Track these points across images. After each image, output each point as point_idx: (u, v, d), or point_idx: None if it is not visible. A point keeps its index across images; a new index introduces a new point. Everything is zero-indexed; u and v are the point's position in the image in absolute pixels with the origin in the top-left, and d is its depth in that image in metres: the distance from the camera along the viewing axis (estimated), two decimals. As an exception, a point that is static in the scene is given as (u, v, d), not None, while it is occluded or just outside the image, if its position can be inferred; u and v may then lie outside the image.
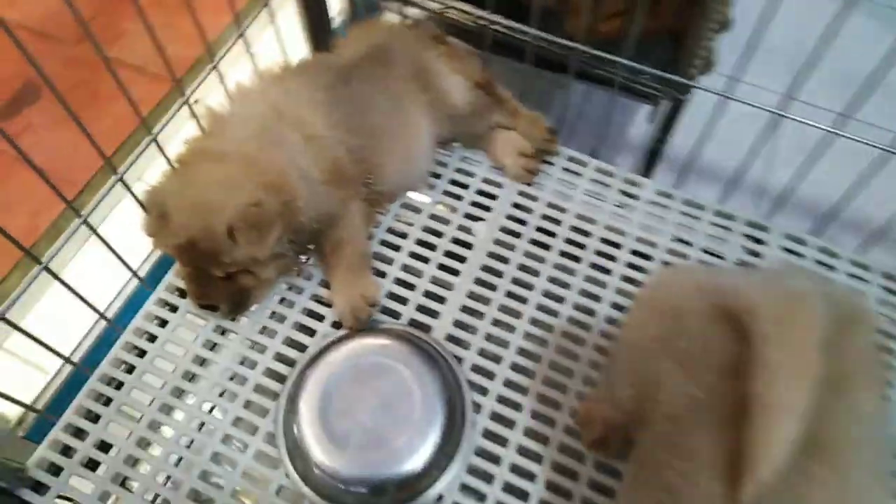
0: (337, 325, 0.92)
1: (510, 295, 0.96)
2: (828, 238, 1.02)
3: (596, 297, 0.96)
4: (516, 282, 0.97)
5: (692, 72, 1.01)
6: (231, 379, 0.90)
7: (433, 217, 1.02)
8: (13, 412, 0.92)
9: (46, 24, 1.67)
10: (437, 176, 1.06)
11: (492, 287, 0.96)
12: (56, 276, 0.80)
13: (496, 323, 0.93)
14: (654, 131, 1.16)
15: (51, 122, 1.53)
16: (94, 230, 0.86)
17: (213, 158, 0.85)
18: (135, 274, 0.93)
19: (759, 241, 1.02)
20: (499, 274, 0.97)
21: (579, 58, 1.03)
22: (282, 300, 0.95)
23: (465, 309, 0.94)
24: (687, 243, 1.02)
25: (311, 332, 0.92)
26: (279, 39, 1.07)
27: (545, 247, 1.00)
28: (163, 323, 0.93)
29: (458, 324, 0.93)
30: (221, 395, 0.89)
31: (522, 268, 0.98)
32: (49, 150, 1.47)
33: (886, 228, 1.00)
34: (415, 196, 1.04)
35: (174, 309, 0.94)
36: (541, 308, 0.94)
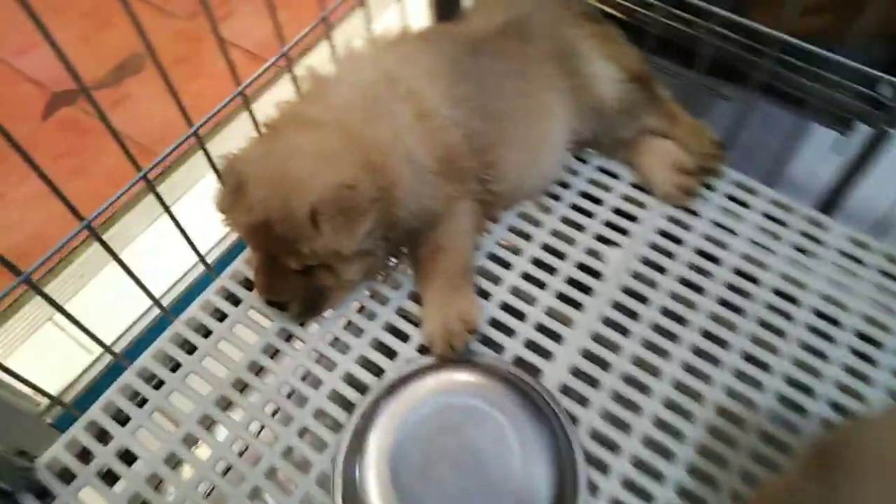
0: (424, 349, 0.73)
1: (647, 345, 0.74)
2: None
3: (764, 366, 0.72)
4: (657, 329, 0.75)
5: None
6: (289, 396, 0.73)
7: (555, 234, 0.83)
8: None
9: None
10: (565, 185, 0.87)
11: (623, 331, 0.75)
12: (110, 251, 0.67)
13: (627, 380, 0.72)
14: (844, 165, 0.92)
15: (151, 94, 1.47)
16: (163, 203, 0.72)
17: (307, 126, 0.70)
18: (201, 258, 0.79)
19: None
20: (633, 315, 0.76)
21: (770, 63, 0.81)
22: (361, 309, 0.78)
23: (587, 354, 0.74)
24: (890, 310, 0.77)
25: (391, 354, 0.74)
26: (402, 9, 0.92)
27: (697, 289, 0.78)
28: (221, 316, 0.78)
29: (577, 372, 0.73)
30: (274, 414, 0.72)
31: (666, 312, 0.77)
32: (143, 121, 1.40)
33: None
34: (536, 205, 0.85)
35: (236, 302, 0.79)
36: (688, 369, 0.72)
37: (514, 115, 0.77)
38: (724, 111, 1.11)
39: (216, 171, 0.74)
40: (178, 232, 0.74)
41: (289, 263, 0.68)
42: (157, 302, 0.75)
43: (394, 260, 0.78)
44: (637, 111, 0.83)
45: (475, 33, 0.81)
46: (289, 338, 0.77)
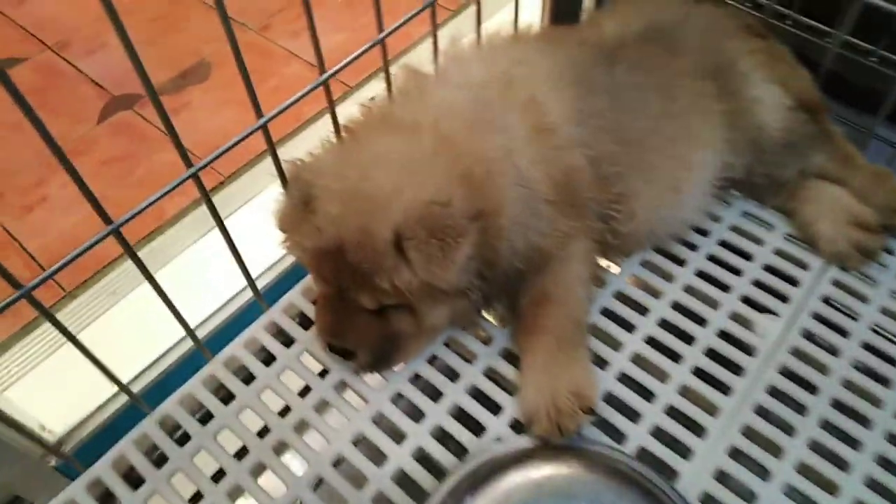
0: (519, 426, 0.57)
1: (816, 448, 0.55)
2: None
3: None
4: (828, 428, 0.57)
5: None
6: (336, 465, 0.57)
7: (690, 291, 0.65)
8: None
9: (233, 7, 1.56)
10: (703, 233, 0.70)
11: (786, 427, 0.57)
12: (137, 260, 0.53)
13: (790, 492, 0.53)
14: None
15: (211, 104, 1.38)
16: (211, 207, 0.58)
17: (396, 130, 0.56)
18: (250, 282, 0.65)
19: None
20: (799, 408, 0.58)
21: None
22: (433, 360, 0.62)
23: (737, 453, 0.55)
24: None
25: (476, 428, 0.57)
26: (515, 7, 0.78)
27: (880, 379, 0.59)
28: (268, 358, 0.63)
29: (722, 477, 0.55)
30: (317, 487, 0.56)
31: (839, 406, 0.58)
32: (201, 131, 1.31)
33: None
34: (666, 253, 0.68)
35: (288, 342, 0.64)
36: (870, 484, 0.53)
37: (653, 139, 0.61)
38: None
39: (282, 177, 0.61)
40: (228, 248, 0.60)
41: (361, 301, 0.53)
42: (190, 332, 0.61)
43: (485, 307, 0.62)
44: (805, 147, 0.66)
45: (610, 39, 0.66)
46: (344, 388, 0.61)
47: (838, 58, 0.73)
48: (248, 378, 0.61)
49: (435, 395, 0.60)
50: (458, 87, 0.58)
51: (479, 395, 0.59)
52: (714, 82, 0.64)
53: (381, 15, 0.61)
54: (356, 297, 0.53)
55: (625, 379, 0.60)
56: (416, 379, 0.61)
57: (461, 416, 0.58)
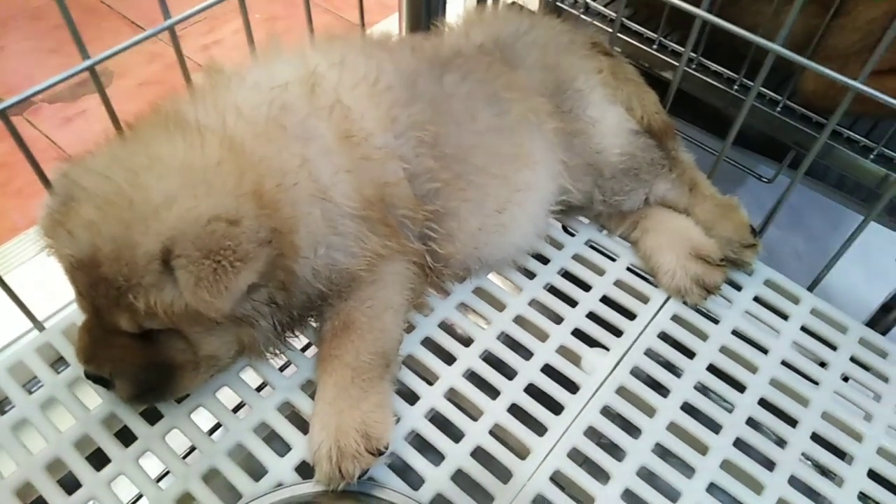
0: (306, 469, 0.50)
1: (626, 499, 0.51)
2: None
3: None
4: (646, 477, 0.52)
5: None
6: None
7: (520, 321, 0.61)
8: None
9: (143, 18, 1.49)
10: (544, 260, 0.65)
11: (602, 476, 0.52)
12: None
13: (597, 550, 0.48)
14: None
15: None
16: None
17: (181, 132, 0.49)
18: (20, 306, 0.57)
19: None
20: (618, 454, 0.53)
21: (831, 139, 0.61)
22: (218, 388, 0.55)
23: (543, 501, 0.50)
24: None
25: (257, 472, 0.50)
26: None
27: (710, 424, 0.55)
28: (31, 385, 0.55)
29: (525, 531, 0.49)
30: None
31: (661, 451, 0.54)
32: (94, 140, 1.23)
33: None
34: (499, 281, 0.64)
35: (59, 364, 0.56)
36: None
37: (478, 155, 0.57)
38: (758, 194, 0.91)
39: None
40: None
41: (118, 322, 0.46)
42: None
43: (290, 333, 0.56)
44: (648, 174, 0.63)
45: (447, 48, 0.62)
46: (121, 431, 0.53)
47: (690, 78, 0.71)
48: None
49: (214, 430, 0.53)
50: (256, 88, 0.52)
51: (270, 436, 0.53)
52: (551, 99, 0.60)
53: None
54: (111, 318, 0.46)
55: (436, 418, 0.54)
56: (196, 411, 0.53)
57: (241, 456, 0.52)
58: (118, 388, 0.49)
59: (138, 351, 0.48)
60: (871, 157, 0.67)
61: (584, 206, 0.65)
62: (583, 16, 0.77)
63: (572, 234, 0.67)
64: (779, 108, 0.69)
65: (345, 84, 0.54)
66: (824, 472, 0.54)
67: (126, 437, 0.52)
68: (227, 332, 0.49)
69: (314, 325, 0.56)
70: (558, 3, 0.78)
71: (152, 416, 0.53)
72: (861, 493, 0.53)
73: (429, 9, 0.76)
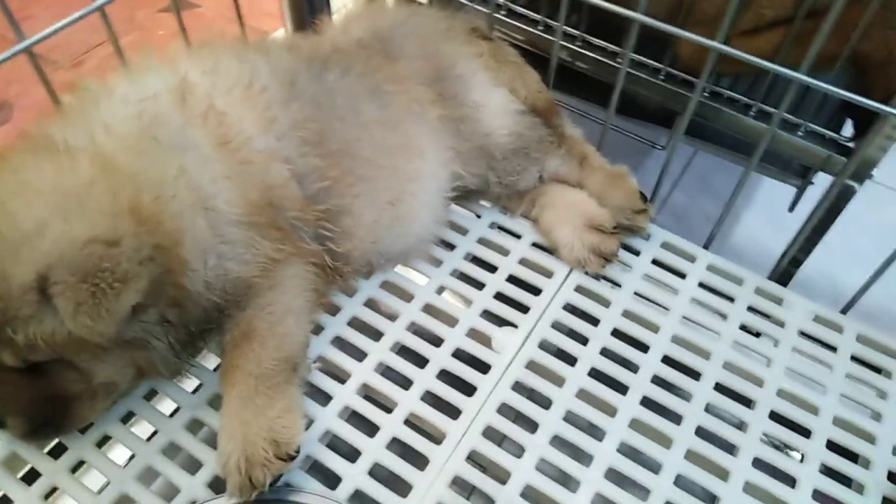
0: (220, 484, 0.49)
1: (549, 471, 0.52)
2: None
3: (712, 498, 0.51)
4: (558, 442, 0.53)
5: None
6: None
7: (430, 310, 0.61)
8: None
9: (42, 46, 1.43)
10: (451, 246, 0.66)
11: (516, 450, 0.53)
12: None
13: (516, 520, 0.49)
14: (805, 225, 0.74)
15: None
16: None
17: (50, 155, 0.48)
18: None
19: None
20: (532, 425, 0.54)
21: (701, 98, 0.64)
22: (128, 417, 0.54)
23: (462, 483, 0.51)
24: (872, 414, 0.57)
25: (169, 492, 0.50)
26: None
27: (619, 388, 0.57)
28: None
29: (443, 513, 0.50)
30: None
31: (569, 418, 0.55)
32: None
33: None
34: (405, 272, 0.64)
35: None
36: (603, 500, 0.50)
37: (365, 149, 0.57)
38: (646, 160, 0.94)
39: None
40: None
41: (1, 358, 0.45)
42: None
43: (190, 351, 0.55)
44: (538, 151, 0.64)
45: (326, 45, 0.62)
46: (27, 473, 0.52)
47: (574, 54, 0.72)
48: None
49: (123, 457, 0.52)
50: (124, 102, 0.51)
51: (173, 451, 0.52)
52: (433, 87, 0.61)
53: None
54: (-5, 354, 0.45)
55: (351, 416, 0.55)
56: (104, 442, 0.52)
57: (152, 477, 0.51)
58: (11, 427, 0.47)
59: (27, 385, 0.47)
60: (752, 113, 0.70)
61: (482, 189, 0.66)
62: (466, 1, 0.77)
63: (477, 217, 0.68)
64: (662, 77, 0.72)
65: (218, 90, 0.53)
66: (730, 421, 0.57)
67: (31, 476, 0.51)
68: (120, 357, 0.48)
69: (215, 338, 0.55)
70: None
71: (57, 451, 0.51)
72: (764, 434, 0.56)
73: (312, 8, 0.76)
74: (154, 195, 0.48)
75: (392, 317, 0.60)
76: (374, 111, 0.58)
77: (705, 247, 0.69)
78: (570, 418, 0.55)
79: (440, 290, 0.63)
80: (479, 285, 0.63)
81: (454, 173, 0.62)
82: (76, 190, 0.46)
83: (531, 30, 0.74)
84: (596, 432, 0.54)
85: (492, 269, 0.65)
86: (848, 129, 0.70)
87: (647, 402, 0.56)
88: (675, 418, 0.56)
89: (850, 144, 0.66)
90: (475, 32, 0.65)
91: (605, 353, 0.59)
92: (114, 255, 0.44)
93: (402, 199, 0.58)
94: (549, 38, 0.72)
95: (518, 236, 0.67)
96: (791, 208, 0.77)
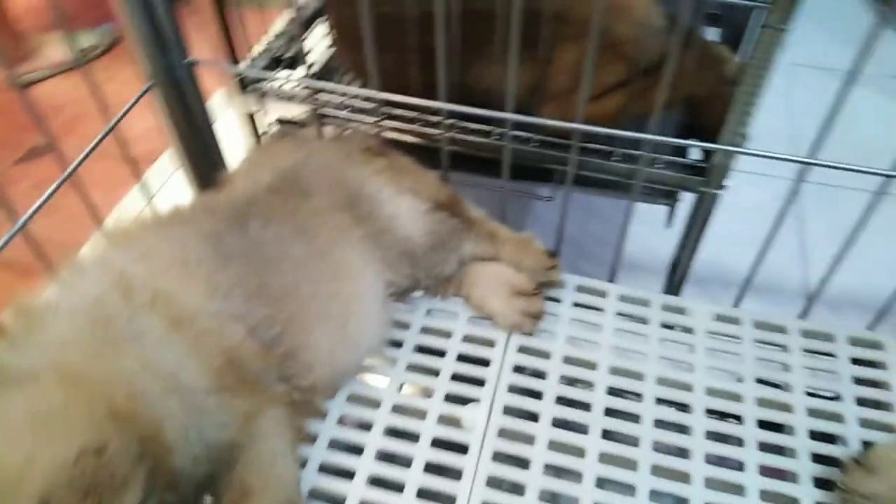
0: None
1: (544, 524, 0.58)
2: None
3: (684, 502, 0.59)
4: (547, 495, 0.60)
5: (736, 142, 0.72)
6: None
7: (399, 410, 0.66)
8: None
9: None
10: (399, 343, 0.71)
11: (511, 515, 0.59)
12: None
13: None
14: (681, 238, 0.86)
15: None
16: None
17: (14, 385, 0.49)
18: None
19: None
20: (520, 490, 0.60)
21: (576, 156, 0.74)
22: None
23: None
24: (778, 387, 0.68)
25: None
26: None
27: (581, 429, 0.65)
28: None
29: None
30: None
31: (552, 470, 0.62)
32: None
33: None
34: (366, 380, 0.69)
35: None
36: (599, 542, 0.57)
37: (305, 287, 0.62)
38: (539, 218, 1.04)
39: None
40: None
41: None
42: None
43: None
44: (452, 241, 0.71)
45: (240, 198, 0.66)
46: None
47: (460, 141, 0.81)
48: None
49: None
50: (72, 311, 0.53)
51: None
52: (349, 212, 0.67)
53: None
54: None
55: (357, 531, 0.58)
56: None
57: None
58: None
59: None
60: (614, 159, 0.81)
61: (413, 285, 0.72)
62: (346, 116, 0.84)
63: (412, 312, 0.74)
64: (534, 144, 0.82)
65: (157, 273, 0.56)
66: (677, 429, 0.66)
67: None
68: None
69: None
70: (320, 112, 0.85)
71: None
72: (706, 431, 0.65)
73: (210, 162, 0.79)
74: (125, 393, 0.50)
75: (367, 426, 0.65)
76: (303, 249, 0.62)
77: (611, 279, 0.79)
78: (549, 471, 0.62)
79: (401, 387, 0.68)
80: (435, 372, 0.69)
81: (387, 280, 0.68)
82: (51, 411, 0.47)
83: (416, 128, 0.82)
84: (573, 476, 0.61)
85: (441, 353, 0.71)
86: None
87: (606, 435, 0.64)
88: (633, 441, 0.64)
89: (703, 165, 0.78)
90: (370, 151, 0.72)
91: (560, 400, 0.67)
92: (106, 463, 0.45)
93: (350, 319, 0.63)
94: (437, 131, 0.80)
95: (454, 316, 0.74)
96: (667, 224, 0.88)
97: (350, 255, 0.65)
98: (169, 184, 1.29)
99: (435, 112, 0.79)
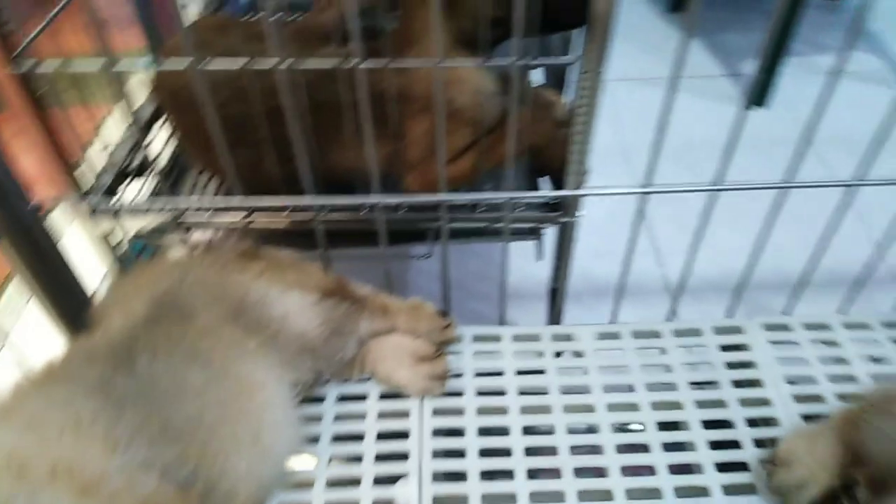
0: None
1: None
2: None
3: (613, 524, 0.64)
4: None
5: (578, 181, 0.80)
6: None
7: (332, 505, 0.66)
8: None
9: None
10: (315, 439, 0.71)
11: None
12: None
13: None
14: (553, 267, 0.93)
15: None
16: None
17: None
18: None
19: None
20: (463, 552, 0.62)
21: (445, 220, 0.78)
22: None
23: None
24: (666, 388, 0.76)
25: None
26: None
27: (506, 475, 0.68)
28: None
29: None
30: None
31: (492, 524, 0.65)
32: None
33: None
34: (294, 479, 0.68)
35: None
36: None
37: (211, 412, 0.60)
38: (430, 263, 1.07)
39: None
40: None
41: None
42: None
43: None
44: (348, 325, 0.72)
45: (119, 336, 0.63)
46: None
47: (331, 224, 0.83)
48: None
49: None
50: (-42, 511, 0.49)
51: None
52: (238, 324, 0.66)
53: None
54: None
55: None
56: None
57: None
58: None
59: None
60: (480, 210, 0.87)
61: (318, 377, 0.72)
62: (209, 219, 0.83)
63: (322, 401, 0.74)
64: (404, 210, 0.85)
65: (49, 442, 0.53)
66: (590, 450, 0.71)
67: None
68: None
69: None
70: (180, 221, 0.83)
71: None
72: (615, 445, 0.70)
73: (73, 299, 0.75)
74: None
75: (302, 533, 0.64)
76: (198, 375, 0.61)
77: (501, 322, 0.84)
78: (488, 525, 0.64)
79: (328, 483, 0.68)
80: (358, 458, 0.69)
81: (291, 381, 0.68)
82: None
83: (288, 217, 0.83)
84: (512, 523, 0.64)
85: (359, 437, 0.71)
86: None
87: (530, 474, 0.68)
88: (556, 474, 0.68)
89: (557, 202, 0.86)
90: (245, 256, 0.72)
91: (483, 453, 0.70)
92: None
93: (262, 433, 0.62)
94: (307, 216, 0.81)
95: (364, 397, 0.75)
96: (538, 257, 0.95)
97: (249, 367, 0.64)
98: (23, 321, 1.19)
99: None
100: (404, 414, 0.73)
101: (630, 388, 0.76)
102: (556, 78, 0.98)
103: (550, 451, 0.70)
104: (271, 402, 0.65)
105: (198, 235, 0.86)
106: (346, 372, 0.75)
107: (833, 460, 0.62)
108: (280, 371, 0.67)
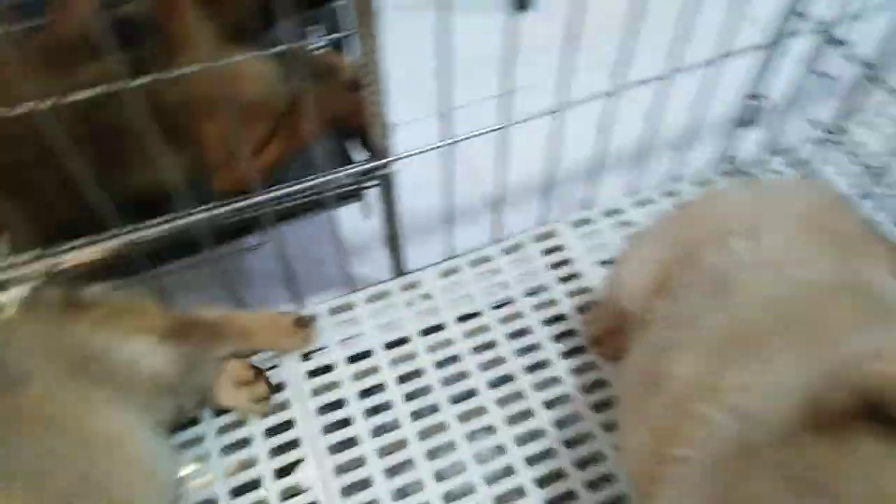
0: None
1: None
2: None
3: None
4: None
5: (384, 143, 0.83)
6: None
7: (242, 511, 0.68)
8: None
9: None
10: (202, 458, 0.72)
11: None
12: None
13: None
14: (383, 222, 0.97)
15: None
16: None
17: None
18: None
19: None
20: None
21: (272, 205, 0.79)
22: None
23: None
24: (508, 303, 0.85)
25: None
26: None
27: (395, 424, 0.74)
28: None
29: None
30: None
31: (391, 471, 0.71)
32: None
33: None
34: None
35: None
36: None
37: (70, 480, 0.56)
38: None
39: None
40: None
41: None
42: None
43: None
44: (200, 357, 0.71)
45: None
46: None
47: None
48: None
49: None
50: None
51: None
52: (83, 378, 0.63)
53: None
54: None
55: None
56: None
57: None
58: None
59: None
60: (297, 195, 0.87)
61: (187, 412, 0.73)
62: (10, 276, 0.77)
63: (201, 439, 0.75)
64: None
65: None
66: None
67: None
68: None
69: None
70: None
71: None
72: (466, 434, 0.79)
73: None
74: None
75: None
76: (48, 445, 0.56)
77: (352, 290, 0.87)
78: (389, 474, 0.71)
79: (231, 493, 0.70)
80: (252, 462, 0.72)
81: (158, 422, 0.67)
82: None
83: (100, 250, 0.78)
84: (408, 465, 0.71)
85: (247, 442, 0.73)
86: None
87: (414, 416, 0.75)
88: (435, 409, 0.75)
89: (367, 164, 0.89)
90: (76, 307, 0.67)
91: (368, 412, 0.75)
92: None
93: (136, 485, 0.60)
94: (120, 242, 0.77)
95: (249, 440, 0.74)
96: (366, 217, 0.99)
97: (104, 421, 0.61)
98: None
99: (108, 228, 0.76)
100: (285, 406, 0.76)
101: (479, 314, 0.84)
102: (335, 40, 0.98)
103: (425, 390, 0.77)
104: (138, 451, 0.62)
105: (13, 293, 0.79)
106: (211, 398, 0.75)
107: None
108: (140, 416, 0.64)
